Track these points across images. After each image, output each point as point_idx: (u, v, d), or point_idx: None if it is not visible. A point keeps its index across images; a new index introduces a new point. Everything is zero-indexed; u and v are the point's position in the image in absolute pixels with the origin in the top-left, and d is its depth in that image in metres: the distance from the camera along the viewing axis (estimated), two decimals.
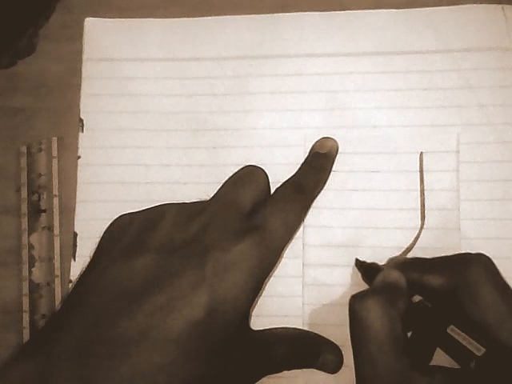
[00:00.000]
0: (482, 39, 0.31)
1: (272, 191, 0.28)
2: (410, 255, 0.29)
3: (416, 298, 0.25)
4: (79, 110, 0.33)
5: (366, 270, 0.28)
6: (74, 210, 0.32)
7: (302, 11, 0.33)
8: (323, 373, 0.28)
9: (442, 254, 0.28)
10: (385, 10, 0.32)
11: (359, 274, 0.29)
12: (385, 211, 0.30)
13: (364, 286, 0.29)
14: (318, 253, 0.30)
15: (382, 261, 0.29)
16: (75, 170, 0.32)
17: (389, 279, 0.25)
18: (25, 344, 0.25)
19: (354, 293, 0.29)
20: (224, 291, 0.23)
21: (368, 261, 0.29)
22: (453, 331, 0.23)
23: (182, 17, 0.34)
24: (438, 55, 0.32)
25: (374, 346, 0.23)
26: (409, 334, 0.25)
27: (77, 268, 0.31)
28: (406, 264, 0.27)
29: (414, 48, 0.32)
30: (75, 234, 0.32)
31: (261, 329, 0.27)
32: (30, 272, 0.32)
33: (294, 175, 0.30)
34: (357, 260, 0.29)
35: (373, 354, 0.23)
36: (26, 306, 0.31)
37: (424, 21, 0.32)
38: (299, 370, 0.28)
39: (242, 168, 0.29)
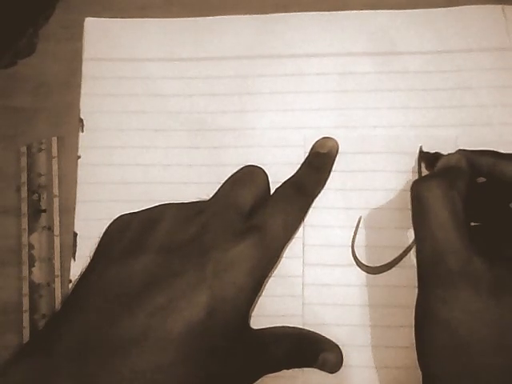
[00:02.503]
0: (482, 40, 0.31)
1: (272, 191, 0.28)
2: (410, 255, 0.29)
3: (480, 179, 0.26)
4: (79, 110, 0.33)
5: (429, 159, 0.29)
6: (74, 210, 0.32)
7: (302, 11, 0.33)
8: (323, 372, 0.28)
9: None
10: (385, 11, 0.32)
11: (359, 274, 0.29)
12: (385, 211, 0.30)
13: (363, 288, 0.29)
14: (318, 253, 0.30)
15: (382, 261, 0.29)
16: (75, 170, 0.32)
17: (449, 162, 0.26)
18: (25, 344, 0.25)
19: (354, 292, 0.29)
20: (224, 291, 0.23)
21: (430, 151, 0.29)
22: None
23: (182, 17, 0.34)
24: (437, 55, 0.32)
25: (434, 221, 0.24)
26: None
27: (77, 268, 0.31)
28: (477, 151, 0.27)
29: (413, 48, 0.32)
30: (75, 234, 0.32)
31: (261, 328, 0.27)
32: (30, 272, 0.32)
33: (293, 175, 0.30)
34: (421, 150, 0.30)
35: (433, 230, 0.24)
36: (26, 305, 0.31)
37: (424, 21, 0.32)
38: (299, 370, 0.28)
39: (242, 168, 0.29)
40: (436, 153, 0.29)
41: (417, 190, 0.25)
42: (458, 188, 0.25)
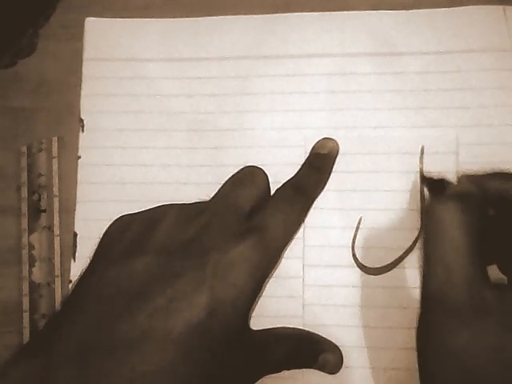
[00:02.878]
0: (483, 40, 0.31)
1: (272, 192, 0.28)
2: (410, 256, 0.29)
3: (491, 211, 0.25)
4: (79, 110, 0.33)
5: (432, 185, 0.27)
6: (74, 210, 0.32)
7: (302, 11, 0.33)
8: (323, 373, 0.28)
9: None
10: (385, 11, 0.32)
11: (359, 275, 0.29)
12: (385, 211, 0.30)
13: (363, 289, 0.29)
14: (319, 253, 0.30)
15: (382, 262, 0.29)
16: (75, 170, 0.32)
17: (464, 189, 0.25)
18: (25, 344, 0.25)
19: (354, 293, 0.29)
20: (224, 292, 0.23)
21: (433, 176, 0.28)
22: None
23: (182, 17, 0.34)
24: (438, 56, 0.32)
25: (450, 247, 0.23)
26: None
27: (77, 268, 0.31)
28: (485, 176, 0.26)
29: (414, 49, 0.32)
30: (75, 234, 0.32)
31: (261, 329, 0.27)
32: (30, 272, 0.32)
33: (294, 176, 0.30)
34: (422, 175, 0.29)
35: (447, 254, 0.22)
36: (26, 305, 0.31)
37: (425, 22, 0.32)
38: (299, 370, 0.28)
39: (242, 168, 0.29)
40: (441, 179, 0.27)
41: (434, 208, 0.24)
42: (473, 214, 0.23)
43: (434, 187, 0.27)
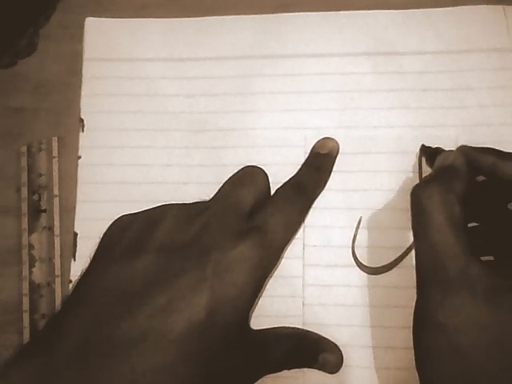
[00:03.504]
0: (483, 40, 0.31)
1: (272, 192, 0.28)
2: (410, 256, 0.29)
3: (480, 178, 0.26)
4: (79, 110, 0.33)
5: (430, 155, 0.29)
6: (74, 210, 0.32)
7: (302, 11, 0.33)
8: (323, 373, 0.28)
9: None
10: (385, 11, 0.32)
11: (359, 275, 0.29)
12: (385, 211, 0.30)
13: (363, 289, 0.29)
14: (319, 253, 0.30)
15: (382, 262, 0.29)
16: (75, 170, 0.32)
17: (446, 161, 0.26)
18: (25, 344, 0.25)
19: (354, 293, 0.29)
20: (224, 292, 0.23)
21: (431, 146, 0.29)
22: None
23: (182, 17, 0.34)
24: (438, 56, 0.32)
25: (432, 228, 0.24)
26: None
27: (77, 268, 0.31)
28: (478, 148, 0.27)
29: (414, 48, 0.32)
30: (75, 234, 0.32)
31: (260, 328, 0.27)
32: (30, 272, 0.32)
33: (294, 176, 0.30)
34: (422, 145, 0.30)
35: (431, 236, 0.24)
36: (25, 306, 0.31)
37: (424, 21, 0.32)
38: (299, 370, 0.28)
39: (242, 168, 0.29)
40: (437, 148, 0.29)
41: (416, 196, 0.25)
42: (456, 190, 0.25)
43: (431, 157, 0.28)
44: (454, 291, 0.23)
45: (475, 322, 0.22)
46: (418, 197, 0.25)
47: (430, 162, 0.29)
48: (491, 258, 0.27)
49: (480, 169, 0.26)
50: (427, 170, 0.30)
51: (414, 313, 0.24)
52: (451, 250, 0.23)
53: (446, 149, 0.29)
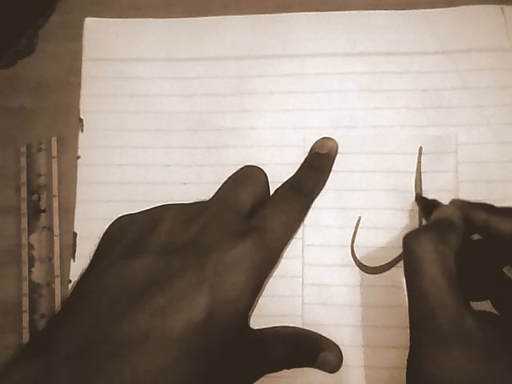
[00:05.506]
0: (481, 40, 0.31)
1: (271, 191, 0.28)
2: None
3: (475, 236, 0.26)
4: (79, 110, 0.33)
5: (425, 206, 0.28)
6: (74, 210, 0.32)
7: (302, 11, 0.33)
8: (323, 372, 0.28)
9: None
10: (384, 11, 0.32)
11: (358, 274, 0.30)
12: (384, 211, 0.30)
13: (363, 288, 0.29)
14: (318, 253, 0.30)
15: (381, 261, 0.29)
16: (75, 170, 0.32)
17: (443, 215, 0.26)
18: (25, 345, 0.25)
19: (353, 292, 0.29)
20: (224, 292, 0.23)
21: (427, 197, 0.29)
22: (509, 271, 0.24)
23: (182, 17, 0.34)
24: (436, 56, 0.32)
25: (425, 279, 0.23)
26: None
27: (76, 268, 0.31)
28: (472, 204, 0.27)
29: (413, 49, 0.32)
30: (75, 234, 0.32)
31: (260, 328, 0.27)
32: (30, 272, 0.32)
33: (293, 176, 0.30)
34: (417, 194, 0.29)
35: (424, 288, 0.23)
36: (25, 305, 0.31)
37: (423, 22, 0.32)
38: (298, 370, 0.28)
39: (242, 168, 0.29)
40: (433, 200, 0.28)
41: (408, 243, 0.24)
42: (450, 243, 0.24)
43: (427, 208, 0.28)
44: (447, 344, 0.22)
45: (468, 375, 0.22)
46: (410, 244, 0.24)
47: (426, 214, 0.28)
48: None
49: (474, 225, 0.26)
50: (427, 170, 0.30)
51: (407, 360, 0.24)
52: (444, 302, 0.23)
53: (446, 151, 0.29)
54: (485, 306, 0.26)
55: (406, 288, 0.24)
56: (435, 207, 0.27)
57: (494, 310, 0.26)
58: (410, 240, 0.24)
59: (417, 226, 0.30)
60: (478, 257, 0.25)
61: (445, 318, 0.22)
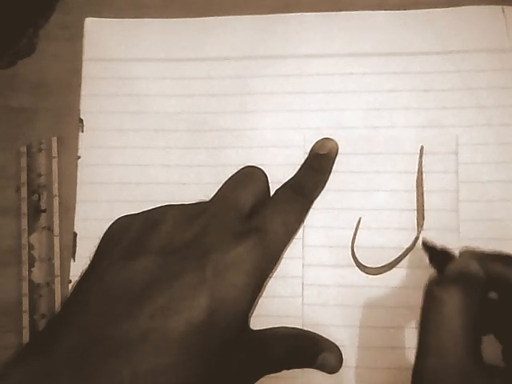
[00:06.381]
0: (482, 40, 0.31)
1: (272, 192, 0.28)
2: (409, 256, 0.29)
3: (493, 294, 0.25)
4: (79, 110, 0.33)
5: (434, 254, 0.26)
6: (74, 210, 0.32)
7: (302, 12, 0.33)
8: (323, 373, 0.28)
9: None
10: (385, 11, 0.32)
11: (358, 275, 0.30)
12: (385, 212, 0.30)
13: (363, 289, 0.29)
14: (318, 253, 0.30)
15: (381, 262, 0.29)
16: (75, 170, 0.32)
17: (468, 270, 0.24)
18: (25, 345, 0.25)
19: (353, 293, 0.29)
20: (224, 293, 0.23)
21: (436, 245, 0.27)
22: None
23: (182, 17, 0.34)
24: (437, 56, 0.32)
25: (447, 334, 0.22)
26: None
27: (76, 268, 0.31)
28: (485, 256, 0.26)
29: (413, 49, 0.32)
30: (75, 234, 0.32)
31: (260, 328, 0.27)
32: (30, 272, 0.32)
33: (293, 176, 0.30)
34: (424, 241, 0.27)
35: (443, 341, 0.22)
36: (25, 306, 0.31)
37: (424, 22, 0.32)
38: (298, 370, 0.28)
39: (242, 169, 0.29)
40: (444, 248, 0.26)
41: (435, 291, 0.23)
42: (475, 298, 0.23)
43: (435, 258, 0.26)
44: None
45: None
46: (437, 290, 0.23)
47: (435, 263, 0.26)
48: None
49: (488, 278, 0.24)
50: (428, 171, 0.30)
51: None
52: (460, 363, 0.22)
53: (446, 151, 0.29)
54: None
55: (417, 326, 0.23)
56: (447, 257, 0.25)
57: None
58: (437, 288, 0.23)
59: (416, 227, 0.30)
60: (493, 315, 0.24)
61: (457, 378, 0.22)
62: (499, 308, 0.25)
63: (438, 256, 0.26)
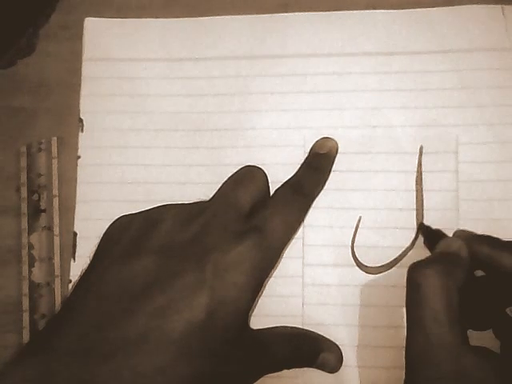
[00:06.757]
0: (481, 39, 0.31)
1: (272, 191, 0.28)
2: (409, 255, 0.29)
3: (478, 273, 0.25)
4: (79, 110, 0.33)
5: (429, 234, 0.28)
6: (74, 210, 0.32)
7: (302, 11, 0.33)
8: (323, 372, 0.28)
9: None
10: (384, 11, 0.32)
11: (358, 274, 0.30)
12: (385, 211, 0.30)
13: (363, 288, 0.29)
14: (318, 253, 0.30)
15: (381, 261, 0.29)
16: (75, 170, 0.32)
17: (450, 248, 0.25)
18: (25, 344, 0.25)
19: (353, 292, 0.29)
20: (224, 292, 0.23)
21: (430, 225, 0.29)
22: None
23: (182, 17, 0.34)
24: (437, 55, 0.32)
25: (428, 314, 0.23)
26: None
27: (76, 268, 0.31)
28: (475, 237, 0.27)
29: (413, 48, 0.32)
30: (75, 234, 0.32)
31: (260, 328, 0.27)
32: (30, 272, 0.32)
33: (293, 176, 0.30)
34: (421, 224, 0.29)
35: (426, 322, 0.23)
36: (25, 305, 0.31)
37: (423, 21, 0.32)
38: (299, 370, 0.28)
39: (242, 168, 0.29)
40: (437, 230, 0.28)
41: (413, 275, 0.24)
42: (456, 278, 0.24)
43: (430, 237, 0.28)
44: (446, 382, 0.22)
45: None
46: (416, 276, 0.24)
47: (429, 243, 0.28)
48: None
49: (476, 259, 0.25)
50: (427, 170, 0.30)
51: None
52: (445, 340, 0.22)
53: (446, 151, 0.29)
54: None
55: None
56: (439, 237, 0.27)
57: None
58: (415, 271, 0.24)
59: (415, 226, 0.30)
60: (480, 295, 0.25)
61: (444, 356, 0.22)
62: (486, 287, 0.25)
63: (432, 236, 0.27)
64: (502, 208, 0.30)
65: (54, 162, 0.33)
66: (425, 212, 0.30)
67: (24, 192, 0.32)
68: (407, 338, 0.24)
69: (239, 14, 0.33)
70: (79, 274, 0.25)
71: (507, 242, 0.26)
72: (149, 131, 0.33)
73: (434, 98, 0.31)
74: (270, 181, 0.29)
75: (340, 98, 0.32)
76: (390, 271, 0.29)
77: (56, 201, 0.32)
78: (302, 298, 0.30)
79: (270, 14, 0.33)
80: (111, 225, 0.27)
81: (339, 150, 0.31)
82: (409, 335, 0.24)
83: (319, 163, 0.30)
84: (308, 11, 0.33)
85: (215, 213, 0.26)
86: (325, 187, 0.30)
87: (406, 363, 0.24)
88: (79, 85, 0.33)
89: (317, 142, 0.31)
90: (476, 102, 0.31)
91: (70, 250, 0.32)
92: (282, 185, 0.29)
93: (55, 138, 0.33)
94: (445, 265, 0.24)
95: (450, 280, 0.23)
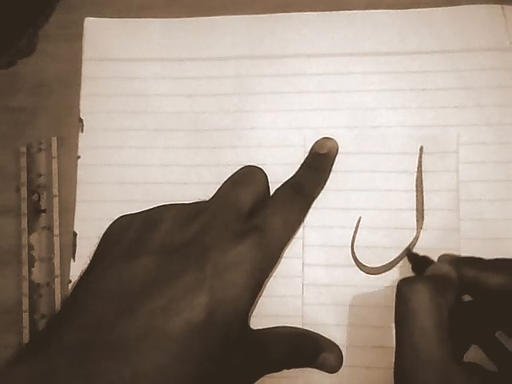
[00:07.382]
0: (482, 39, 0.31)
1: (272, 191, 0.28)
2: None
3: (466, 297, 0.25)
4: (79, 110, 0.33)
5: (416, 261, 0.28)
6: (74, 210, 0.32)
7: (302, 11, 0.33)
8: (323, 372, 0.28)
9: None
10: (384, 11, 0.32)
11: (358, 275, 0.29)
12: (384, 211, 0.30)
13: (363, 288, 0.29)
14: (318, 253, 0.30)
15: (381, 261, 0.29)
16: (75, 170, 0.32)
17: (440, 271, 0.25)
18: (25, 344, 0.25)
19: (353, 293, 0.29)
20: (224, 292, 0.23)
21: (418, 253, 0.29)
22: (501, 336, 0.23)
23: (182, 17, 0.34)
24: (437, 55, 0.32)
25: (417, 329, 0.23)
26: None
27: (76, 268, 0.31)
28: (460, 260, 0.27)
29: (413, 48, 0.32)
30: (75, 234, 0.32)
31: (260, 328, 0.27)
32: (30, 272, 0.32)
33: (293, 176, 0.30)
34: (408, 251, 0.29)
35: (415, 338, 0.22)
36: (25, 306, 0.31)
37: (423, 21, 0.32)
38: (299, 370, 0.28)
39: (242, 168, 0.29)
40: (425, 256, 0.28)
41: (403, 290, 0.24)
42: (447, 298, 0.24)
43: (417, 264, 0.28)
44: None
45: None
46: (406, 291, 0.23)
47: (417, 270, 0.28)
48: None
49: (463, 282, 0.25)
50: (428, 170, 0.30)
51: None
52: (433, 356, 0.22)
53: (446, 151, 0.29)
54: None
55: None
56: (427, 264, 0.27)
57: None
58: (405, 286, 0.24)
59: (416, 226, 0.30)
60: (468, 320, 0.25)
61: (432, 372, 0.22)
62: (474, 312, 0.25)
63: (419, 263, 0.28)
64: (503, 208, 0.30)
65: (54, 161, 0.33)
66: (425, 212, 0.30)
67: (24, 192, 0.32)
68: (396, 353, 0.23)
69: (239, 13, 0.33)
70: (79, 273, 0.25)
71: (491, 260, 0.26)
72: (149, 131, 0.33)
73: (434, 98, 0.31)
74: (269, 181, 0.29)
75: (340, 97, 0.32)
76: (389, 271, 0.29)
77: (56, 201, 0.32)
78: (302, 298, 0.30)
79: (269, 14, 0.33)
80: (111, 225, 0.27)
81: (339, 150, 0.31)
82: (397, 351, 0.23)
83: (319, 163, 0.30)
84: (308, 11, 0.33)
85: (215, 213, 0.26)
86: (325, 187, 0.30)
87: (394, 378, 0.23)
88: (79, 85, 0.33)
89: (317, 142, 0.31)
90: (476, 101, 0.31)
91: (70, 250, 0.32)
92: (282, 185, 0.29)
93: (55, 138, 0.33)
94: (436, 283, 0.24)
95: (441, 298, 0.23)
